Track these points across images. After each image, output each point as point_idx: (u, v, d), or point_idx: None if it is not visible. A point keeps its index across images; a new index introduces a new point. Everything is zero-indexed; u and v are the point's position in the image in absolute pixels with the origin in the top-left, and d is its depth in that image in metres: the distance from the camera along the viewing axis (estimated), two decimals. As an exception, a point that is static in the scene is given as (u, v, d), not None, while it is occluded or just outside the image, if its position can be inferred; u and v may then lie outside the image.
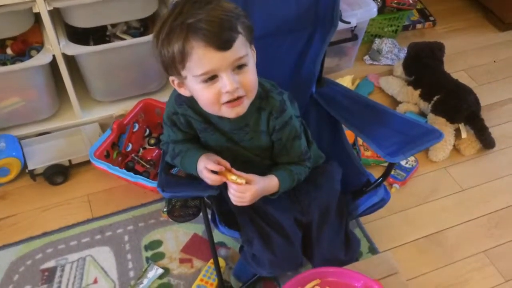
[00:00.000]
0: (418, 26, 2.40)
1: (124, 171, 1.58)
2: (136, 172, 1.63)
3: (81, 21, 1.57)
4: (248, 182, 1.03)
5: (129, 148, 1.71)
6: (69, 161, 1.70)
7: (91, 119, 1.80)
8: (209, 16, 0.89)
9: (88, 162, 1.65)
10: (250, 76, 0.97)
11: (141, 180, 1.55)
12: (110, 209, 1.63)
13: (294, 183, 1.13)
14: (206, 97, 0.97)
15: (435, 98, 1.86)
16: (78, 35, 1.69)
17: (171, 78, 1.01)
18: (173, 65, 0.94)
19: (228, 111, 0.99)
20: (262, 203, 1.13)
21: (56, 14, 1.58)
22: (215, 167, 1.02)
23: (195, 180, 1.11)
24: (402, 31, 2.34)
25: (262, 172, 1.10)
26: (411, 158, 1.79)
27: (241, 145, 1.11)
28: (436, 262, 1.54)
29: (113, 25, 1.76)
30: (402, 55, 2.21)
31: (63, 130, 1.77)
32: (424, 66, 1.95)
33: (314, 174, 1.22)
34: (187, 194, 1.16)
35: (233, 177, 1.02)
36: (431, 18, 2.44)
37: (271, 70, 1.29)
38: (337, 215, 1.20)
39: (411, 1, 2.15)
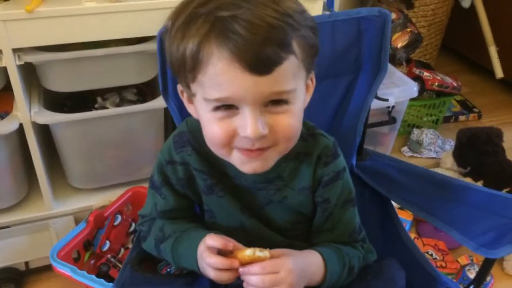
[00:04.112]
0: (461, 118, 2.10)
1: (93, 277, 1.16)
2: (110, 279, 1.20)
3: (60, 83, 1.28)
4: (273, 256, 0.65)
5: (106, 247, 1.31)
6: (26, 264, 1.29)
7: (64, 211, 1.42)
8: (252, 14, 0.57)
9: (51, 266, 1.24)
10: (290, 120, 0.64)
11: (113, 290, 1.12)
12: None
13: (345, 272, 0.73)
14: (214, 133, 0.64)
15: (504, 191, 1.46)
16: (63, 109, 1.41)
17: (179, 87, 0.70)
18: (182, 71, 0.63)
19: (240, 161, 0.65)
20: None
21: (34, 76, 1.31)
22: (220, 242, 0.65)
23: (181, 279, 0.70)
24: (442, 123, 2.03)
25: None
26: (484, 270, 1.33)
27: (265, 212, 0.75)
28: None
29: (104, 98, 1.48)
30: (448, 147, 1.87)
31: (27, 224, 1.39)
32: (482, 154, 1.60)
33: (364, 276, 0.80)
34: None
35: (248, 252, 0.63)
36: (475, 110, 2.13)
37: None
38: None
39: (455, 84, 1.86)
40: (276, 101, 0.62)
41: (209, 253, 0.66)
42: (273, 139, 0.64)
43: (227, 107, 0.62)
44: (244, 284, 0.66)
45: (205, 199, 0.76)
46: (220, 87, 0.60)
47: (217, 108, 0.62)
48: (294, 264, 0.67)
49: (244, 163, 0.66)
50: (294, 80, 0.63)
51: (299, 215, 0.77)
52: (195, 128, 0.74)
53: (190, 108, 0.71)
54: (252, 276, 0.64)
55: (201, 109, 0.65)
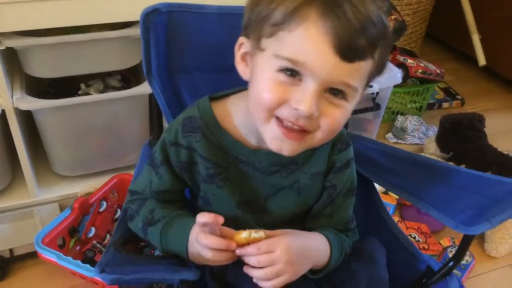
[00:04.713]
0: (445, 105, 2.12)
1: (78, 262, 1.15)
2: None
3: (42, 69, 1.26)
4: (270, 236, 0.66)
5: (92, 233, 1.30)
6: (11, 251, 1.28)
7: (49, 198, 1.40)
8: (360, 2, 0.58)
9: (36, 253, 1.23)
10: (341, 115, 0.64)
11: (99, 275, 1.12)
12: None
13: (341, 258, 0.76)
14: (265, 95, 0.63)
15: (485, 175, 1.49)
16: (47, 96, 1.39)
17: (241, 40, 0.69)
18: (260, 24, 0.62)
19: (274, 135, 0.64)
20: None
21: (16, 61, 1.29)
22: (210, 217, 0.64)
23: (166, 260, 0.70)
24: (426, 110, 2.05)
25: None
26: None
27: (266, 205, 0.76)
28: None
29: (88, 85, 1.46)
30: (431, 133, 1.90)
31: (11, 212, 1.36)
32: (465, 140, 1.62)
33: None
34: (143, 277, 0.70)
35: (244, 234, 0.64)
36: (459, 97, 2.16)
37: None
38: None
39: (438, 71, 1.88)
40: (337, 92, 0.62)
41: (205, 234, 0.65)
42: (316, 125, 0.64)
43: (292, 74, 0.61)
44: (244, 268, 0.67)
45: (203, 187, 0.75)
46: (300, 50, 0.60)
47: (282, 70, 0.62)
48: (292, 242, 0.67)
49: (275, 139, 0.65)
50: (361, 81, 0.63)
51: (304, 203, 0.77)
52: (208, 115, 0.73)
53: (239, 65, 0.70)
54: (249, 257, 0.65)
55: (264, 66, 0.63)
